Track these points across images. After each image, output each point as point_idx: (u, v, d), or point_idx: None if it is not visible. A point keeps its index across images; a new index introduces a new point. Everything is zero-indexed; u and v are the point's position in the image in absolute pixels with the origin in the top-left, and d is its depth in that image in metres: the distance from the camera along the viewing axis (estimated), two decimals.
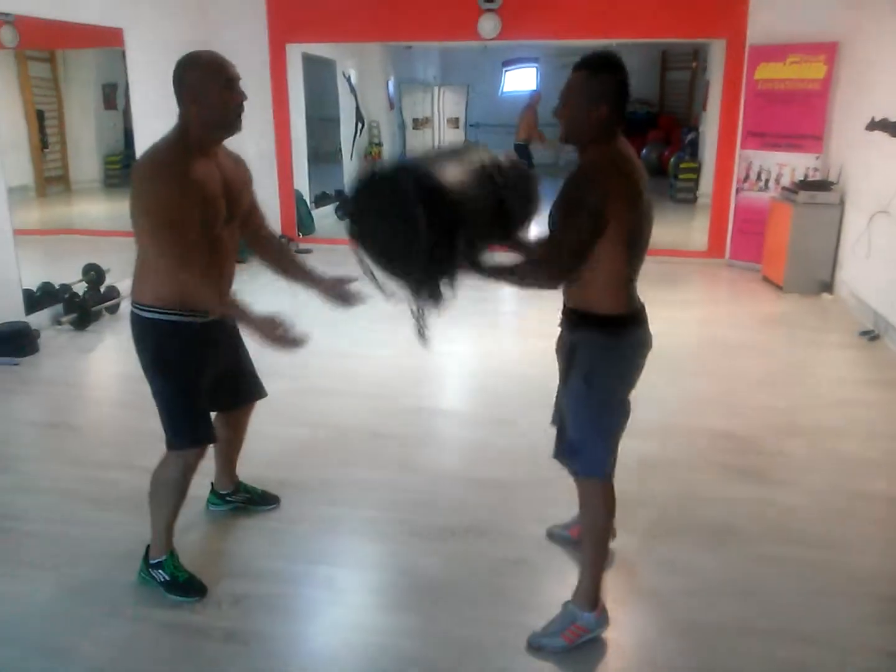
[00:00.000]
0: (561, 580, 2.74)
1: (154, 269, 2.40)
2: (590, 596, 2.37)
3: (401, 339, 5.32)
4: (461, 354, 5.26)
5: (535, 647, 2.36)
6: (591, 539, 2.40)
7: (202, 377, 2.55)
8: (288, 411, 4.10)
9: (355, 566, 2.86)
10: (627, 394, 2.33)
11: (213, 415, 2.69)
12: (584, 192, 2.08)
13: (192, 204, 2.27)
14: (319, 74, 10.07)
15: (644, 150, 13.67)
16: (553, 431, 2.61)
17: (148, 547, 2.66)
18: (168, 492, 2.57)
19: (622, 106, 2.14)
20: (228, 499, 3.10)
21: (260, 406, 4.20)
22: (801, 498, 3.25)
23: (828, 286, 6.58)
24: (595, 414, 2.31)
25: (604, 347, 2.25)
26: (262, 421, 3.93)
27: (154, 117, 6.63)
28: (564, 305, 2.36)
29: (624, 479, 3.41)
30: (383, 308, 6.28)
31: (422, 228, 1.90)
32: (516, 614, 2.53)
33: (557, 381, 2.49)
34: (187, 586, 2.62)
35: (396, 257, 2.03)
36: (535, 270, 2.23)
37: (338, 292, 2.68)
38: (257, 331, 2.33)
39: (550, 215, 2.21)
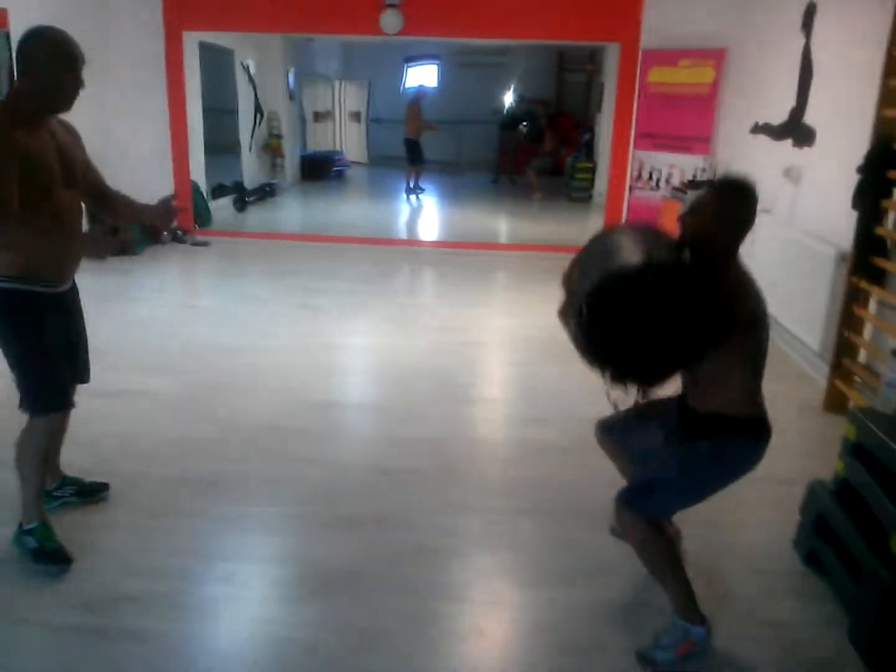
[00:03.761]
0: (463, 565, 2.81)
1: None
2: (692, 611, 2.32)
3: (301, 335, 5.31)
4: (364, 348, 5.27)
5: (649, 660, 2.31)
6: (650, 566, 2.34)
7: (55, 345, 2.58)
8: (187, 407, 4.02)
9: (256, 560, 2.82)
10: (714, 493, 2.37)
11: None
12: (720, 317, 2.09)
13: (10, 165, 2.27)
14: (217, 64, 9.84)
15: None
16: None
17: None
18: (34, 458, 2.62)
19: (748, 230, 2.26)
20: (55, 494, 3.01)
21: (158, 402, 4.11)
22: None
23: None
24: (693, 487, 2.32)
25: (746, 447, 2.27)
26: (160, 417, 3.87)
27: None
28: (688, 407, 2.35)
29: (528, 464, 3.49)
30: (283, 304, 6.23)
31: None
32: (419, 601, 2.57)
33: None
34: (54, 555, 2.64)
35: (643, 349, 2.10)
36: None
37: (163, 210, 2.79)
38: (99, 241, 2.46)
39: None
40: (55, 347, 2.59)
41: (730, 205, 2.23)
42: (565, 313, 2.29)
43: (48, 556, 2.63)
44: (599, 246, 2.30)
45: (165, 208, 2.78)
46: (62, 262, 2.57)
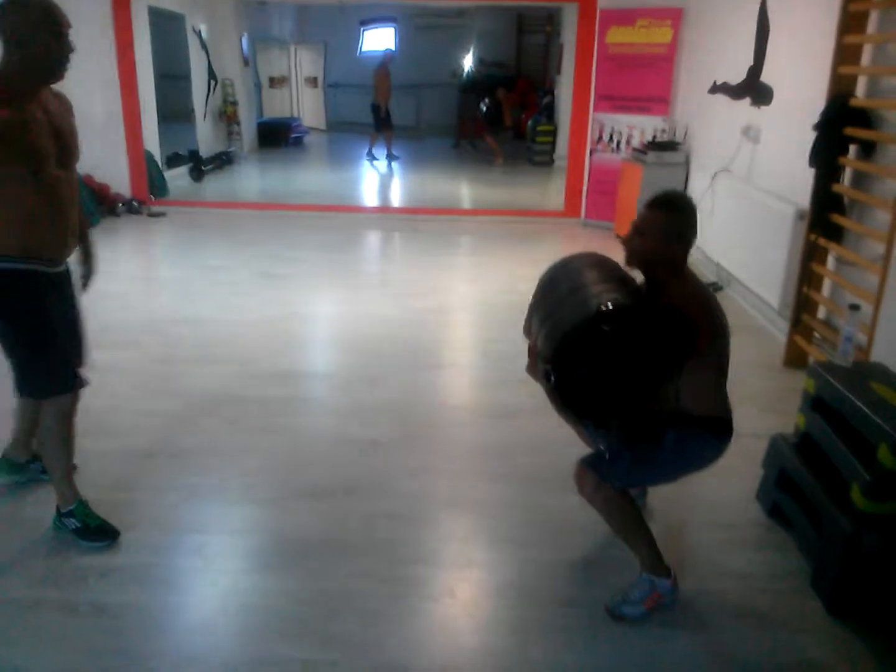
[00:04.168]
0: (433, 530, 2.83)
1: None
2: (658, 565, 2.36)
3: (263, 304, 5.25)
4: (327, 316, 5.24)
5: (617, 615, 2.35)
6: (614, 526, 2.39)
7: (56, 325, 2.51)
8: (149, 381, 3.97)
9: (227, 532, 2.81)
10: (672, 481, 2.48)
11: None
12: (682, 337, 2.12)
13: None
14: (167, 29, 9.58)
15: None
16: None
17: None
18: (53, 443, 2.57)
19: (690, 243, 2.27)
20: (22, 468, 2.99)
21: (119, 377, 4.05)
22: None
23: None
24: (654, 463, 2.36)
25: (709, 444, 2.31)
26: (123, 392, 3.82)
27: None
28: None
29: (494, 428, 3.52)
30: (244, 274, 6.14)
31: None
32: (390, 566, 2.58)
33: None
34: (100, 531, 2.63)
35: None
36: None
37: (84, 271, 2.78)
38: None
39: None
40: (59, 328, 2.52)
41: (675, 222, 2.25)
42: (533, 369, 2.35)
43: (95, 532, 2.62)
44: (550, 289, 2.32)
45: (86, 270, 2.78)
46: (57, 241, 2.48)
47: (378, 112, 11.72)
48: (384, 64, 11.80)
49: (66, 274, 2.62)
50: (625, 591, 2.39)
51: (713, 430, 2.30)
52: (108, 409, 3.61)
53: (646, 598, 2.36)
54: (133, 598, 2.41)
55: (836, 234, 3.98)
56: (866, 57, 3.88)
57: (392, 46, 14.31)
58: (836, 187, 3.95)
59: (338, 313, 5.25)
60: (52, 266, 2.48)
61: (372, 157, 12.06)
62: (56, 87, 2.44)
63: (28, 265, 2.39)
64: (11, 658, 2.17)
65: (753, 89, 5.37)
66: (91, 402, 3.63)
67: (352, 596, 2.43)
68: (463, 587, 2.54)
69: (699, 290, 2.29)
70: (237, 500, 2.98)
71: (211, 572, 2.58)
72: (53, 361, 2.50)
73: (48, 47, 2.26)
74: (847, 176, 4.00)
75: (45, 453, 2.64)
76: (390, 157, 12.02)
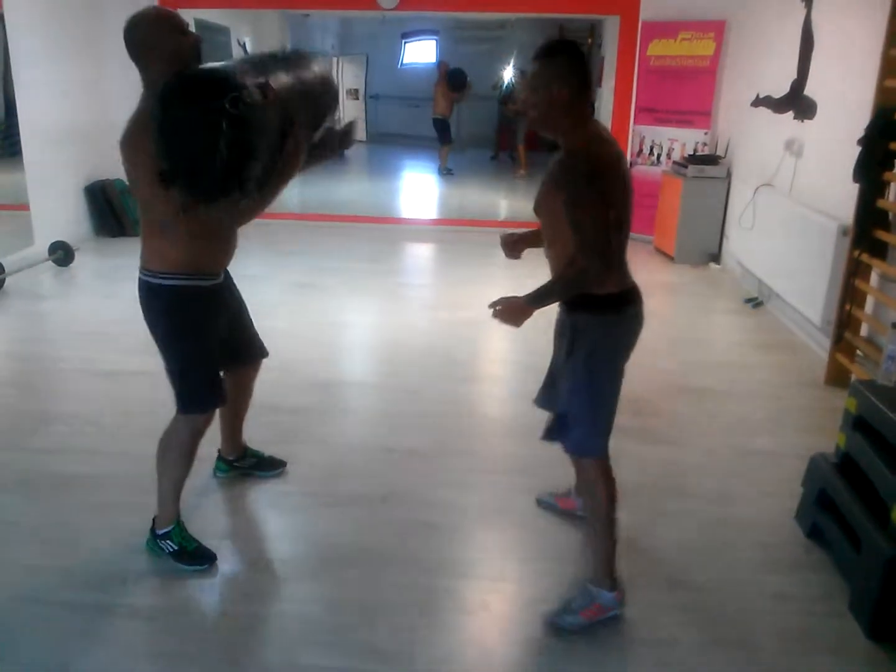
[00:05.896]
0: (468, 541, 2.83)
1: (160, 234, 2.36)
2: (608, 575, 2.35)
3: (300, 314, 5.31)
4: (364, 326, 5.27)
5: (555, 625, 2.35)
6: (597, 520, 2.37)
7: (213, 340, 2.55)
8: None
9: (263, 539, 2.86)
10: (622, 371, 2.33)
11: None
12: (586, 185, 2.05)
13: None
14: (213, 42, 9.75)
15: None
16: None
17: (155, 518, 2.64)
18: (176, 457, 2.57)
19: (584, 87, 2.14)
20: (236, 464, 3.12)
21: (147, 382, 4.10)
22: (694, 456, 3.43)
23: (715, 257, 6.88)
24: (594, 393, 2.30)
25: (603, 327, 2.25)
26: (162, 397, 3.87)
27: (40, 84, 6.32)
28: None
29: (529, 441, 3.50)
30: (282, 283, 6.18)
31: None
32: (426, 576, 2.59)
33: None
34: (196, 555, 2.62)
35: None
36: (577, 280, 2.19)
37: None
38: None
39: (539, 203, 2.28)
40: (214, 343, 2.55)
41: (555, 67, 2.11)
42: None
43: (192, 556, 2.61)
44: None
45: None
46: (220, 255, 2.54)
47: (442, 125, 11.77)
48: (443, 76, 11.85)
49: (225, 283, 2.65)
50: (565, 600, 2.38)
51: (611, 309, 2.24)
52: (146, 414, 3.66)
53: (585, 608, 2.34)
54: (167, 601, 2.46)
55: (881, 250, 3.91)
56: None
57: (435, 59, 14.41)
58: (880, 203, 3.89)
59: (374, 323, 5.29)
60: (211, 279, 2.51)
61: (446, 172, 12.09)
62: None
63: (189, 281, 2.42)
64: (51, 658, 2.22)
65: (797, 103, 5.31)
66: (134, 408, 3.73)
67: (386, 606, 2.45)
68: (497, 601, 2.54)
69: (598, 139, 2.16)
70: (274, 509, 3.02)
71: (246, 578, 2.61)
72: (199, 380, 2.53)
73: (176, 43, 2.30)
74: (892, 191, 3.94)
75: (162, 463, 2.58)
76: (444, 170, 12.07)
